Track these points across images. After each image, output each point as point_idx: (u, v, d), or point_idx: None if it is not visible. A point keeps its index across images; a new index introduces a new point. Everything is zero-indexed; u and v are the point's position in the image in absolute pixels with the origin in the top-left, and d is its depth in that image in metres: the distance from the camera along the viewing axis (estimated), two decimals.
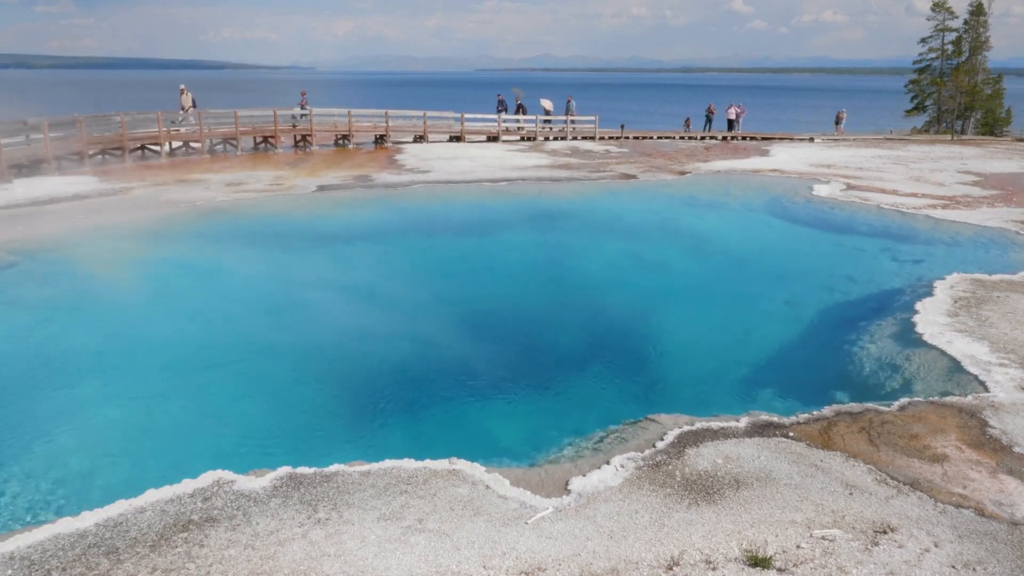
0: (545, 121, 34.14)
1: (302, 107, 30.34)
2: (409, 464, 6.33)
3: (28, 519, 6.45)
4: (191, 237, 16.06)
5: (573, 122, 34.52)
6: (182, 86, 29.70)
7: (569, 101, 35.49)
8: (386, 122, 31.32)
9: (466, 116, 32.93)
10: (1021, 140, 40.00)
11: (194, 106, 28.94)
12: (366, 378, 9.94)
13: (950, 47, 49.39)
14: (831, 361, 9.93)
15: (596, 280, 14.68)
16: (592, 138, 34.67)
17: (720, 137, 36.93)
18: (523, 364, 10.48)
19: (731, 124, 38.24)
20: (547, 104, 35.66)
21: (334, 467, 6.26)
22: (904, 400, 7.86)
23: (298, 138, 29.62)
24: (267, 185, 21.08)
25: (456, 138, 32.55)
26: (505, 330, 12.08)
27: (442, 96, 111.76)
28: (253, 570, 4.88)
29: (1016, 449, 6.69)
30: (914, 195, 20.68)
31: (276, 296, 12.97)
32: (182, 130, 27.60)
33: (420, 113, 32.81)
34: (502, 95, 36.06)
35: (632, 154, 30.01)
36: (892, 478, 6.17)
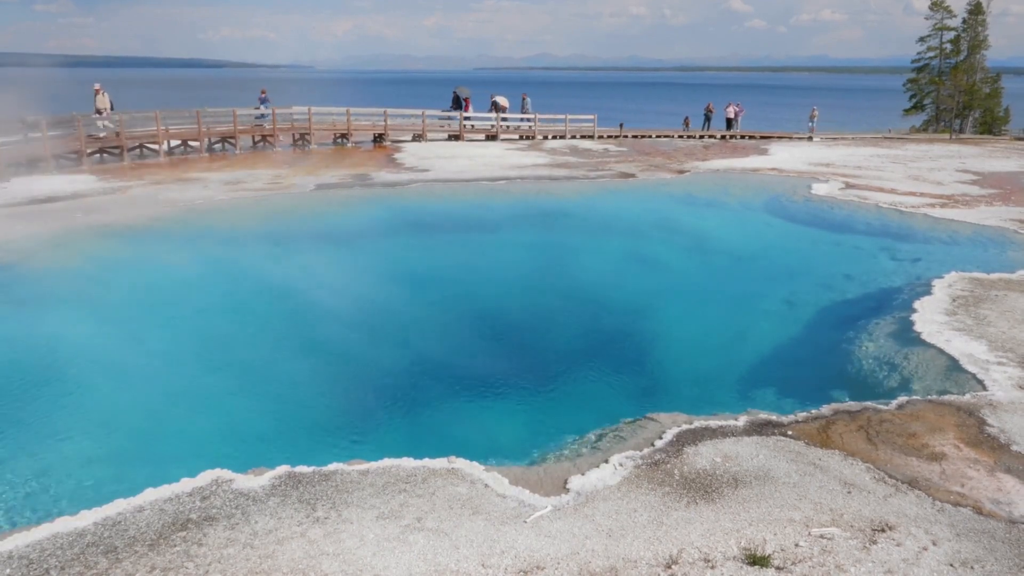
0: (502, 119, 33.82)
1: (259, 103, 29.10)
2: (408, 463, 6.33)
3: (26, 518, 6.44)
4: (190, 236, 16.04)
5: (528, 119, 34.15)
6: (97, 85, 25.73)
7: (524, 99, 35.30)
8: (385, 121, 31.30)
9: (465, 115, 32.88)
10: (1020, 139, 40.03)
11: (112, 108, 25.36)
12: (364, 377, 9.94)
13: (948, 46, 49.44)
14: (829, 360, 9.93)
15: (595, 278, 14.68)
16: (591, 137, 34.68)
17: (719, 136, 36.95)
18: (522, 362, 10.48)
19: (729, 123, 38.26)
20: (503, 101, 35.37)
21: (333, 466, 6.26)
22: (902, 399, 7.87)
23: (296, 137, 29.59)
24: (266, 184, 21.05)
25: (455, 137, 32.55)
26: (504, 328, 12.08)
27: (441, 95, 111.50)
28: (252, 569, 4.88)
29: (1014, 448, 6.70)
30: (912, 194, 20.69)
31: (275, 295, 12.96)
32: (101, 135, 24.47)
33: (419, 112, 32.81)
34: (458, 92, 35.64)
35: (631, 153, 30.00)
36: (890, 476, 6.18)
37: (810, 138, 37.40)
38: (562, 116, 35.31)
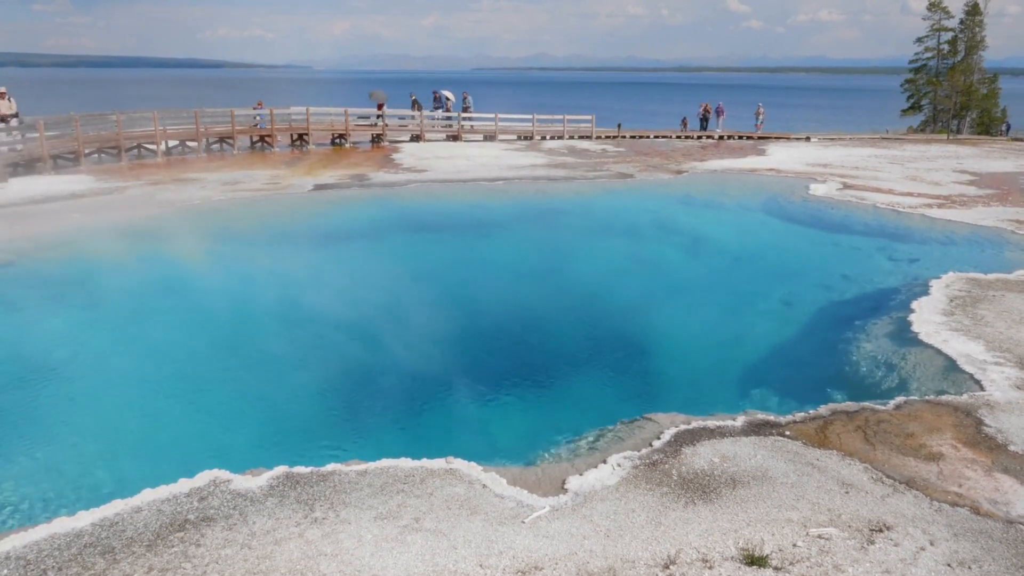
0: (446, 117, 33.55)
1: (255, 116, 29.45)
2: (406, 463, 6.33)
3: (24, 519, 6.43)
4: (187, 236, 16.01)
5: (470, 119, 33.85)
6: (1, 88, 22.35)
7: (465, 97, 35.19)
8: (383, 120, 31.26)
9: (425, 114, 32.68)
10: (1018, 140, 40.10)
11: (16, 115, 22.26)
12: (362, 377, 9.93)
13: (946, 47, 49.55)
14: (827, 360, 9.94)
15: (593, 279, 14.68)
16: (589, 137, 34.70)
17: (716, 137, 37.01)
18: (520, 363, 10.47)
19: (703, 122, 38.08)
20: (449, 95, 35.14)
21: (331, 466, 6.25)
22: (900, 399, 7.88)
23: (294, 137, 29.57)
24: (263, 184, 21.03)
25: (453, 137, 32.55)
26: (502, 329, 12.07)
27: None
28: (250, 569, 4.87)
29: (1011, 448, 6.71)
30: (910, 194, 20.72)
31: (273, 295, 12.94)
32: (3, 148, 21.09)
33: (417, 112, 32.79)
34: (415, 95, 35.10)
35: (629, 153, 30.02)
36: (888, 477, 6.18)
37: (807, 138, 37.44)
38: (560, 116, 35.34)
